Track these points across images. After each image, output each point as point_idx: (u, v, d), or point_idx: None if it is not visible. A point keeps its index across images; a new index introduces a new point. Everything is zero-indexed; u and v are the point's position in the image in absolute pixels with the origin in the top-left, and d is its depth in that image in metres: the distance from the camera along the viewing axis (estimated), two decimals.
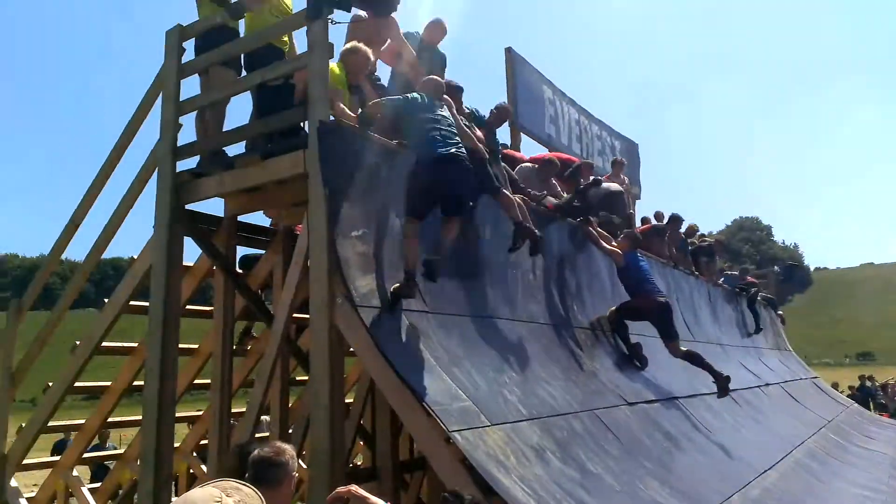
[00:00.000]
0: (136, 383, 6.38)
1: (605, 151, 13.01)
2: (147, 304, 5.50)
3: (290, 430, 5.67)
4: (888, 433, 13.51)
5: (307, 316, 4.68)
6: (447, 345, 4.64)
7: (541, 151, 9.87)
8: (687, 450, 6.28)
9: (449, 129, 4.79)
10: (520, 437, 4.22)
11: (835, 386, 18.02)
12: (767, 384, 11.54)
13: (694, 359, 7.87)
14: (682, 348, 7.88)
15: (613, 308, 7.63)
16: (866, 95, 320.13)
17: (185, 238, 5.55)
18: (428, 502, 6.79)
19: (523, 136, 10.18)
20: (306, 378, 5.15)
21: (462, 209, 4.94)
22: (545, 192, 7.22)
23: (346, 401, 6.11)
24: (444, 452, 3.77)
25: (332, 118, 4.59)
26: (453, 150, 4.65)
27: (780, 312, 17.34)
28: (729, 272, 14.57)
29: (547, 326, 6.30)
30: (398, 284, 4.44)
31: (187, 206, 5.54)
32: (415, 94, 4.97)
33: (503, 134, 9.49)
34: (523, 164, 8.07)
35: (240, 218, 5.94)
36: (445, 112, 4.96)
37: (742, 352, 12.73)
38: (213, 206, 6.17)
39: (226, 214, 5.78)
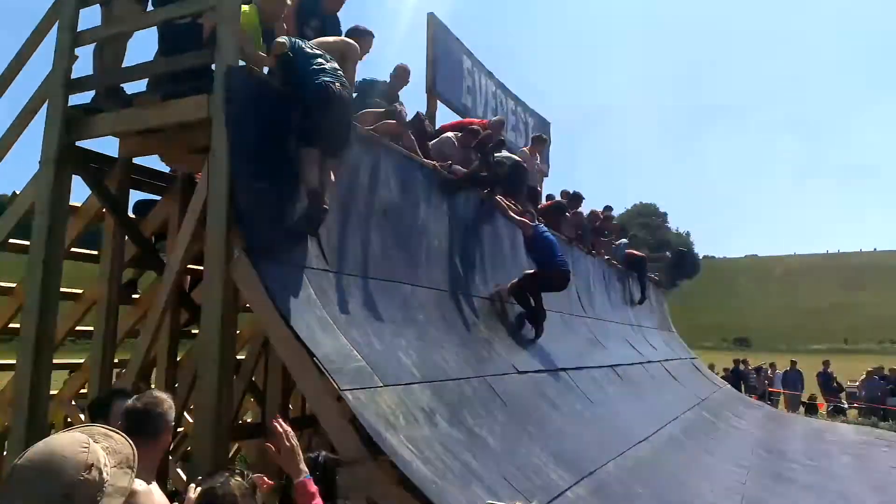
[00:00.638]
0: (12, 325, 6.01)
1: (518, 127, 13.15)
2: (28, 243, 5.17)
3: (176, 385, 5.52)
4: (755, 413, 14.64)
5: (202, 268, 4.54)
6: (346, 305, 4.63)
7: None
8: (569, 418, 6.58)
9: (336, 70, 4.70)
10: (411, 399, 4.29)
11: (711, 367, 19.30)
12: (650, 362, 12.20)
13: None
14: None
15: (516, 280, 7.83)
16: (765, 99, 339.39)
17: (74, 177, 5.23)
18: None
19: (440, 105, 10.15)
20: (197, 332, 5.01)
21: (342, 149, 4.89)
22: (449, 162, 7.25)
23: (239, 357, 6.02)
24: (333, 411, 3.77)
25: (241, 63, 4.41)
26: (338, 84, 4.58)
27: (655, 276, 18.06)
28: (616, 242, 15.04)
29: (448, 293, 6.39)
30: (308, 206, 4.37)
31: (78, 144, 5.21)
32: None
33: (419, 102, 9.47)
34: (445, 135, 8.08)
35: (136, 161, 5.64)
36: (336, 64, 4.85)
37: (630, 330, 13.40)
38: (109, 147, 5.84)
39: (120, 155, 5.47)
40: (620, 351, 11.20)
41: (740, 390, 18.59)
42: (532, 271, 7.92)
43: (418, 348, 5.03)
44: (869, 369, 20.04)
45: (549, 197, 12.56)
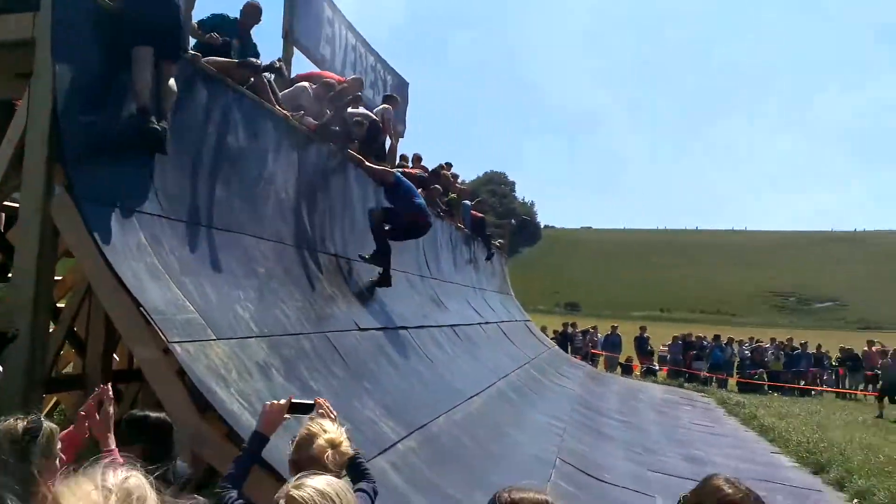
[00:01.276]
0: None
1: (377, 84, 13.01)
2: None
3: None
4: (578, 372, 15.86)
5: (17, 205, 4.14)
6: (181, 254, 4.42)
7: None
8: (407, 375, 6.78)
9: None
10: (246, 352, 4.22)
11: (543, 329, 20.54)
12: (487, 322, 12.78)
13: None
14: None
15: (380, 209, 7.80)
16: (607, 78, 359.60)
17: None
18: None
19: (297, 53, 9.79)
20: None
21: (175, 49, 4.62)
22: (301, 112, 7.06)
23: (59, 305, 5.57)
24: (160, 364, 3.63)
25: None
26: None
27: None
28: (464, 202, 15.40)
29: (293, 248, 6.28)
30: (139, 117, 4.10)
31: None
32: None
33: (275, 46, 9.07)
34: (298, 84, 7.81)
35: None
36: None
37: (472, 292, 13.92)
38: None
39: None
40: (461, 311, 11.62)
41: (567, 351, 20.00)
42: (400, 217, 7.88)
43: (257, 302, 4.92)
44: (676, 335, 22.33)
45: (403, 157, 12.63)
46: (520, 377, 10.99)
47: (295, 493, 1.58)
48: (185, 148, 4.90)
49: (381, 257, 7.72)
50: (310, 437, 2.25)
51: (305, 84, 7.82)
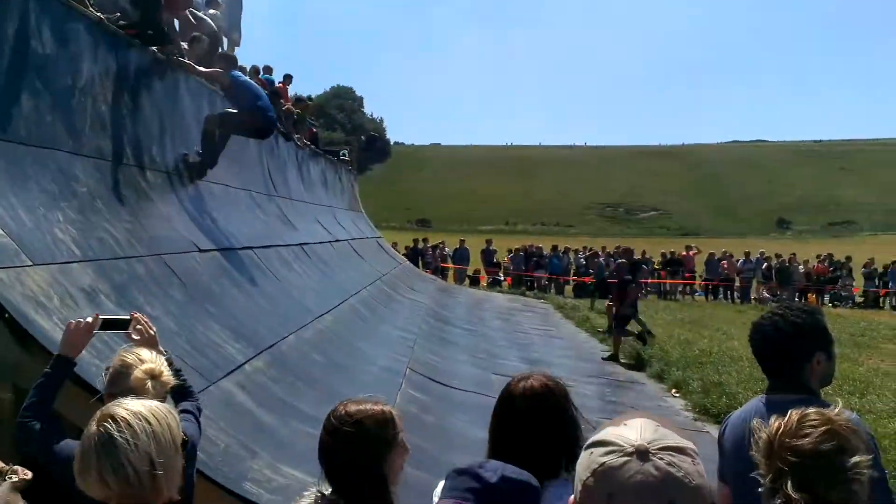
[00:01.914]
0: None
1: None
2: None
3: None
4: (428, 286, 16.31)
5: None
6: None
7: None
8: (254, 296, 6.62)
9: None
10: (68, 279, 3.89)
11: (394, 245, 20.80)
12: (338, 240, 12.71)
13: None
14: None
15: (216, 114, 7.36)
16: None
17: None
18: None
19: None
20: None
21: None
22: (118, 14, 6.36)
23: None
24: None
25: None
26: None
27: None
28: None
29: (118, 164, 5.77)
30: None
31: None
32: None
33: None
34: None
35: None
36: None
37: (321, 210, 13.71)
38: None
39: None
40: (310, 230, 11.44)
41: (418, 266, 20.47)
42: (234, 111, 7.46)
43: (78, 223, 4.52)
44: (517, 247, 23.53)
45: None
46: (371, 293, 11.13)
47: (110, 414, 1.46)
48: None
49: (201, 167, 7.34)
50: (125, 368, 2.09)
51: None
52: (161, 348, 2.41)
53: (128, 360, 2.12)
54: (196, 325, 4.84)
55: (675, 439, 0.95)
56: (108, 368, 2.16)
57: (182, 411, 2.24)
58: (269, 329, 6.04)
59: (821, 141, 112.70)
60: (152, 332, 2.44)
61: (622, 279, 11.44)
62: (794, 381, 2.17)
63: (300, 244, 9.99)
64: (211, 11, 9.98)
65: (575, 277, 22.13)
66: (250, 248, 7.65)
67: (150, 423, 1.45)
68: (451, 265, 22.38)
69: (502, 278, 21.86)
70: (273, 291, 7.30)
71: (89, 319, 2.31)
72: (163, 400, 1.98)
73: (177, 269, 5.39)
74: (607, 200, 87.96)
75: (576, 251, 24.02)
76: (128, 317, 2.42)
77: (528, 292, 19.80)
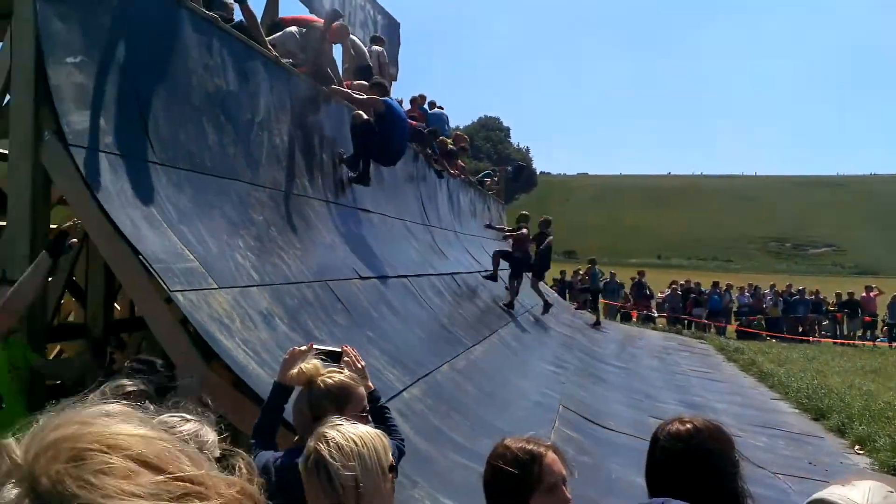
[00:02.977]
0: None
1: (367, 24, 12.60)
2: None
3: None
4: (576, 320, 15.92)
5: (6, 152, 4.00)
6: (177, 201, 4.29)
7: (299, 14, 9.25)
8: (409, 323, 6.74)
9: None
10: (248, 301, 4.14)
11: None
12: (486, 270, 12.73)
13: None
14: None
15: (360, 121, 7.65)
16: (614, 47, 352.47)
17: None
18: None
19: None
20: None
21: None
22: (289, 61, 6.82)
23: None
24: (163, 313, 3.55)
25: None
26: None
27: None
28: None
29: (289, 194, 6.15)
30: None
31: None
32: None
33: None
34: (288, 30, 7.52)
35: None
36: None
37: (470, 239, 13.85)
38: None
39: None
40: (460, 259, 11.57)
41: (565, 298, 20.07)
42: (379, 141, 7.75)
43: (256, 250, 4.82)
44: (673, 282, 22.38)
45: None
46: (521, 325, 11.01)
47: (324, 435, 1.60)
48: (175, 93, 4.72)
49: (360, 166, 7.56)
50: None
51: (294, 29, 7.54)
52: (370, 383, 2.50)
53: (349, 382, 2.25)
54: (358, 349, 4.96)
55: None
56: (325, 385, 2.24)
57: None
58: (424, 357, 6.10)
59: None
60: (361, 365, 2.53)
61: None
62: None
63: (451, 273, 10.11)
64: (375, 48, 10.52)
65: (738, 317, 20.68)
66: (405, 276, 7.84)
67: (357, 447, 1.57)
68: (600, 299, 21.73)
69: (656, 314, 20.89)
70: (427, 320, 7.40)
71: (304, 348, 2.42)
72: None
73: (340, 294, 5.60)
74: (772, 234, 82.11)
75: (741, 289, 22.38)
76: (339, 349, 2.51)
77: (684, 331, 18.74)
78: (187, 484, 0.58)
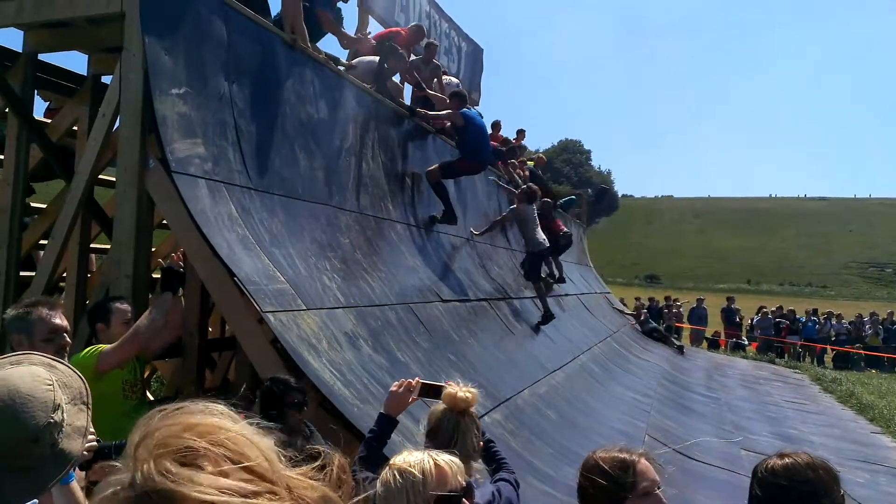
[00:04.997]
0: None
1: (451, 51, 12.83)
2: None
3: (87, 303, 5.25)
4: (661, 347, 15.43)
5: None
6: (269, 225, 4.47)
7: None
8: (489, 347, 6.72)
9: None
10: (334, 323, 4.24)
11: (622, 301, 20.09)
12: (567, 294, 12.56)
13: None
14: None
15: (434, 167, 7.74)
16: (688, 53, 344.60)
17: None
18: (235, 382, 6.72)
19: (371, 21, 9.74)
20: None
21: None
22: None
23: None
24: (255, 333, 3.69)
25: None
26: None
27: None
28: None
29: (374, 218, 6.29)
30: None
31: None
32: None
33: (350, 16, 9.04)
34: (366, 60, 7.78)
35: (42, 57, 5.17)
36: None
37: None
38: (13, 40, 5.34)
39: (25, 50, 5.00)
40: None
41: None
42: (449, 161, 7.90)
43: (342, 272, 4.94)
44: (764, 308, 21.38)
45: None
46: (602, 351, 10.78)
47: (393, 462, 1.65)
48: (270, 121, 4.94)
49: (450, 216, 7.73)
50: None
51: (371, 58, 7.82)
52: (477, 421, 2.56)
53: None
54: (440, 372, 5.00)
55: None
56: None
57: (499, 479, 2.46)
58: (505, 382, 6.06)
59: None
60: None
61: None
62: None
63: (531, 297, 10.02)
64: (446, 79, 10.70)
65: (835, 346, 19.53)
66: (487, 299, 7.83)
67: (415, 475, 1.61)
68: (686, 325, 20.99)
69: (746, 342, 19.97)
70: (507, 344, 7.36)
71: (412, 382, 2.49)
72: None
73: (422, 317, 5.65)
74: (871, 259, 77.35)
75: (838, 316, 21.16)
76: (444, 385, 2.56)
77: (777, 360, 17.84)
78: (267, 483, 0.63)
